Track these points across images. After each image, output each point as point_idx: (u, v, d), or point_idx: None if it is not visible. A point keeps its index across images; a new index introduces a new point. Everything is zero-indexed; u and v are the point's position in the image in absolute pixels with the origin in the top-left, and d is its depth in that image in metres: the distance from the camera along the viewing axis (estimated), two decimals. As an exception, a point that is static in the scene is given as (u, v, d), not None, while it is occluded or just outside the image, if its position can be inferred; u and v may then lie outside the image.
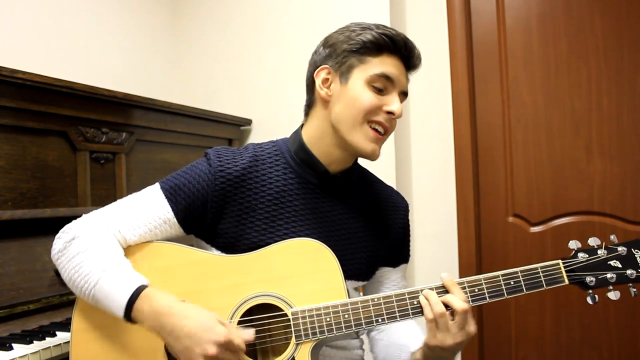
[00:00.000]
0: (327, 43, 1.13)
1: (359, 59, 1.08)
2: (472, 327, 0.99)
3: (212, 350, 0.89)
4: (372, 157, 1.11)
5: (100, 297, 0.96)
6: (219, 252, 1.10)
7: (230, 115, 2.36)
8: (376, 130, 1.09)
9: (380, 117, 1.09)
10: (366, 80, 1.08)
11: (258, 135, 2.49)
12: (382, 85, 1.08)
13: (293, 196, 1.13)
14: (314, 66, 1.15)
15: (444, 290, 1.03)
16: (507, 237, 2.16)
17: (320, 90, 1.12)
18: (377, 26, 1.10)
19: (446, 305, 0.99)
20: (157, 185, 1.12)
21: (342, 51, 1.10)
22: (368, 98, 1.07)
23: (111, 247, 1.02)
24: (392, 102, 1.08)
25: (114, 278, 0.96)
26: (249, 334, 0.94)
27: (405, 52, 1.10)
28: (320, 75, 1.12)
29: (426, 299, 1.01)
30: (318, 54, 1.15)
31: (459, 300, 0.99)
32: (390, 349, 1.17)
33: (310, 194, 1.14)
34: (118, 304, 0.94)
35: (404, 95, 1.13)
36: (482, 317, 2.17)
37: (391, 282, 1.24)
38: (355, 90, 1.08)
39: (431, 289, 1.03)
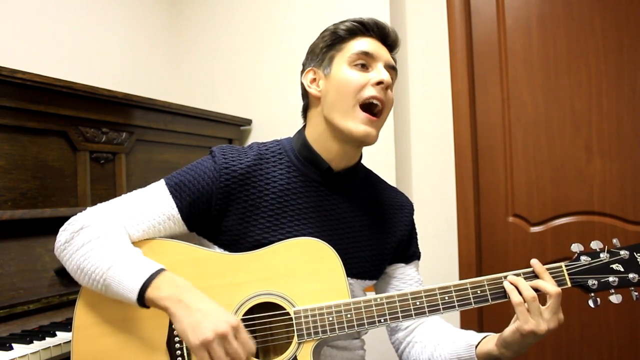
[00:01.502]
0: (308, 51, 1.21)
1: (335, 48, 1.14)
2: (561, 315, 1.00)
3: (224, 327, 0.87)
4: (367, 139, 1.11)
5: (113, 281, 0.95)
6: (222, 250, 1.10)
7: (230, 115, 2.36)
8: (370, 108, 1.10)
9: (371, 92, 1.09)
10: (347, 62, 1.12)
11: (258, 135, 2.49)
12: (363, 61, 1.11)
13: (297, 194, 1.13)
14: (302, 70, 1.21)
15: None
16: (507, 237, 2.16)
17: (310, 89, 1.16)
18: (350, 19, 1.16)
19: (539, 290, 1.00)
20: (162, 182, 1.12)
21: (320, 49, 1.17)
22: (353, 76, 1.10)
23: (123, 236, 1.02)
24: (378, 73, 1.11)
25: (130, 262, 0.95)
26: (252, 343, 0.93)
27: (377, 31, 1.15)
28: (307, 77, 1.18)
29: (513, 284, 1.01)
30: (303, 64, 1.22)
31: (551, 285, 1.00)
32: (436, 347, 1.14)
33: (314, 192, 1.14)
34: (133, 285, 0.93)
35: (392, 69, 1.15)
36: (482, 317, 2.17)
37: (406, 277, 1.23)
38: (339, 75, 1.12)
39: (433, 289, 1.03)
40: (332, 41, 1.15)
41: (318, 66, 1.16)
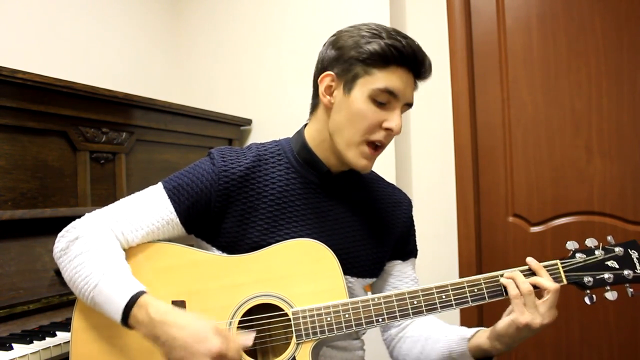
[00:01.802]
0: (336, 44, 1.09)
1: (364, 69, 1.04)
2: (556, 311, 1.01)
3: (208, 357, 0.88)
4: (364, 171, 1.11)
5: (99, 301, 0.96)
6: (220, 252, 1.10)
7: (230, 115, 2.36)
8: (373, 146, 1.08)
9: (379, 135, 1.06)
10: (369, 94, 1.04)
11: (258, 135, 2.49)
12: (385, 99, 1.05)
13: (295, 196, 1.13)
14: (320, 65, 1.12)
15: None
16: (507, 237, 2.16)
17: (323, 97, 1.09)
18: (389, 34, 1.05)
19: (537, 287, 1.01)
20: (159, 185, 1.11)
21: (348, 58, 1.06)
22: (369, 114, 1.05)
23: (112, 251, 1.02)
24: (393, 119, 1.05)
25: (112, 283, 0.96)
26: (247, 339, 0.93)
27: (414, 64, 1.06)
28: (324, 82, 1.09)
29: (511, 278, 1.02)
30: (326, 54, 1.11)
31: (548, 281, 1.01)
32: (427, 341, 1.14)
33: (312, 194, 1.14)
34: (115, 309, 0.94)
35: (407, 106, 1.10)
36: (481, 317, 2.17)
37: (402, 275, 1.23)
38: (357, 104, 1.05)
39: (430, 289, 1.04)
40: (361, 58, 1.04)
41: (339, 76, 1.07)
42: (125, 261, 1.02)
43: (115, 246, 1.03)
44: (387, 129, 1.06)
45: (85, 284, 0.97)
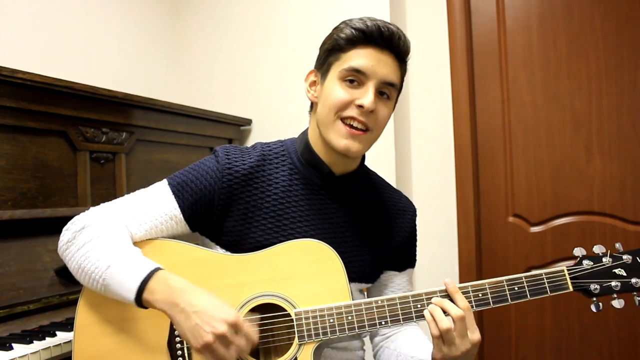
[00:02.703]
0: (321, 44, 1.15)
1: (335, 56, 1.09)
2: (475, 335, 0.98)
3: (222, 328, 0.87)
4: (347, 153, 1.08)
5: (111, 281, 0.95)
6: (224, 250, 1.10)
7: (230, 115, 2.36)
8: (351, 125, 1.07)
9: (352, 112, 1.06)
10: (338, 76, 1.08)
11: (258, 135, 2.49)
12: (353, 77, 1.07)
13: (298, 197, 1.13)
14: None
15: (446, 294, 1.02)
16: (507, 237, 2.16)
17: (308, 93, 1.16)
18: (360, 20, 1.08)
19: (446, 312, 0.99)
20: (164, 182, 1.12)
21: (323, 52, 1.13)
22: (337, 94, 1.07)
23: (122, 236, 1.02)
24: (363, 95, 1.06)
25: (127, 262, 0.96)
26: (255, 332, 0.93)
27: (382, 41, 1.06)
28: (309, 79, 1.16)
29: (432, 315, 0.99)
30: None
31: (455, 307, 0.98)
32: (398, 358, 1.16)
33: (315, 196, 1.14)
34: (130, 285, 0.93)
35: (390, 85, 1.09)
36: (482, 317, 2.17)
37: (396, 286, 1.23)
38: (328, 88, 1.09)
39: (434, 292, 1.03)
40: (332, 47, 1.10)
41: (318, 70, 1.14)
42: (135, 246, 1.02)
43: (124, 232, 1.03)
44: (358, 106, 1.06)
45: (96, 268, 0.96)
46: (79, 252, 1.00)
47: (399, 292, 1.22)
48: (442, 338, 0.98)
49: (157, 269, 0.95)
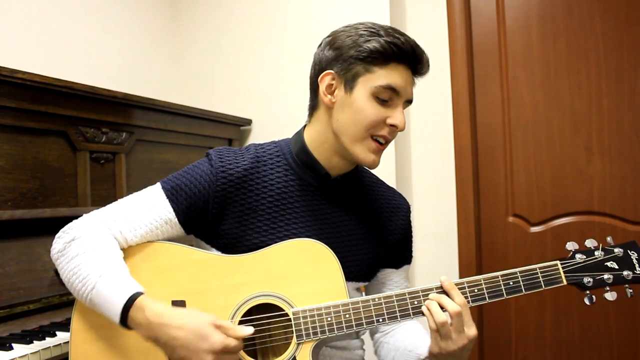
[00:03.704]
0: (334, 45, 1.09)
1: (365, 67, 1.05)
2: (471, 330, 0.99)
3: (209, 359, 0.89)
4: (372, 167, 1.11)
5: (97, 302, 0.96)
6: (219, 252, 1.10)
7: (230, 115, 2.36)
8: (378, 141, 1.09)
9: (383, 131, 1.08)
10: (371, 91, 1.05)
11: (258, 135, 2.49)
12: (387, 96, 1.06)
13: (294, 198, 1.12)
14: (318, 66, 1.12)
15: (442, 290, 1.03)
16: (507, 237, 2.16)
17: (324, 96, 1.09)
18: (387, 32, 1.06)
19: (443, 308, 1.00)
20: (158, 185, 1.11)
21: (348, 57, 1.06)
22: (372, 112, 1.05)
23: (110, 251, 1.01)
24: (396, 115, 1.07)
25: (109, 285, 0.95)
26: (248, 330, 0.94)
27: (413, 61, 1.07)
28: (324, 81, 1.09)
29: (428, 309, 1.00)
30: (323, 54, 1.11)
31: (452, 302, 0.99)
32: (397, 352, 1.16)
33: (310, 197, 1.14)
34: (114, 311, 0.94)
35: (408, 102, 1.11)
36: (482, 317, 2.17)
37: (394, 284, 1.24)
38: (359, 102, 1.06)
39: (430, 289, 1.03)
40: (361, 56, 1.05)
41: (340, 75, 1.08)
42: (123, 261, 1.02)
43: (113, 246, 1.03)
44: (391, 126, 1.07)
45: (83, 286, 0.97)
46: (69, 266, 1.01)
47: (397, 289, 1.22)
48: (439, 332, 0.99)
49: (135, 296, 0.94)
